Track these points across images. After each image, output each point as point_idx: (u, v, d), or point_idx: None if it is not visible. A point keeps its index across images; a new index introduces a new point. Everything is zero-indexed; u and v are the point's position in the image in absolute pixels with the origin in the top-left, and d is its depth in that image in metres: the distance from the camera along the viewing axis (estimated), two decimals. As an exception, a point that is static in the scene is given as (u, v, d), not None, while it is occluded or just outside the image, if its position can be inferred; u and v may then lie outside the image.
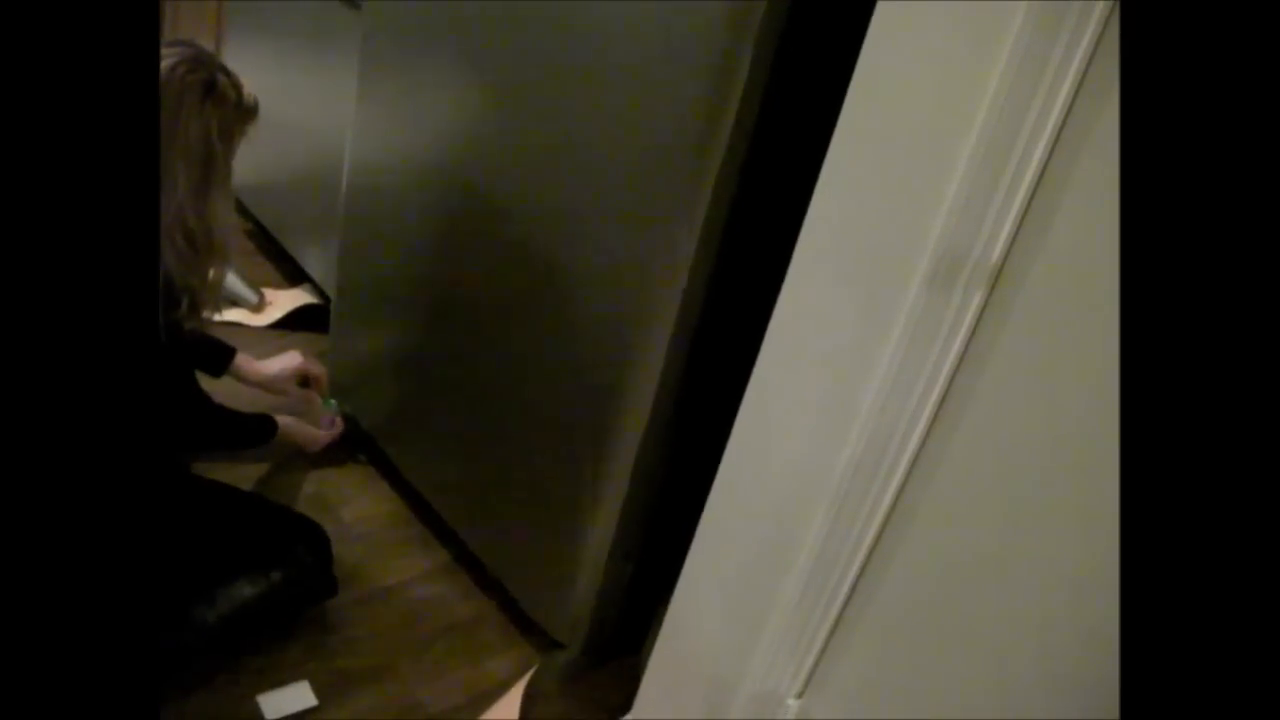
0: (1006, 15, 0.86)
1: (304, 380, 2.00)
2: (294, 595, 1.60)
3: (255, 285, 2.41)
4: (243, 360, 1.89)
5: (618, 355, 1.37)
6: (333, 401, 2.03)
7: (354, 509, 1.89)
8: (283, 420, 1.86)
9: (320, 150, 2.18)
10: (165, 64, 1.32)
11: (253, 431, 1.81)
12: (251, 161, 2.50)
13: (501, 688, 1.60)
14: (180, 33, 2.61)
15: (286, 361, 1.95)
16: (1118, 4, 0.80)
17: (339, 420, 2.02)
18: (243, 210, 2.63)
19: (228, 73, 1.39)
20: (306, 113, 2.22)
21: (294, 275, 2.50)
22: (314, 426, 1.96)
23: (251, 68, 2.31)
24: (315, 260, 2.38)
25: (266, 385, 1.93)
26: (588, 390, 1.43)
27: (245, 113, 1.43)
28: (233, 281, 2.33)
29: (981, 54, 0.88)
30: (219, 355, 1.86)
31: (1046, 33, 0.83)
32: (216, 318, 2.12)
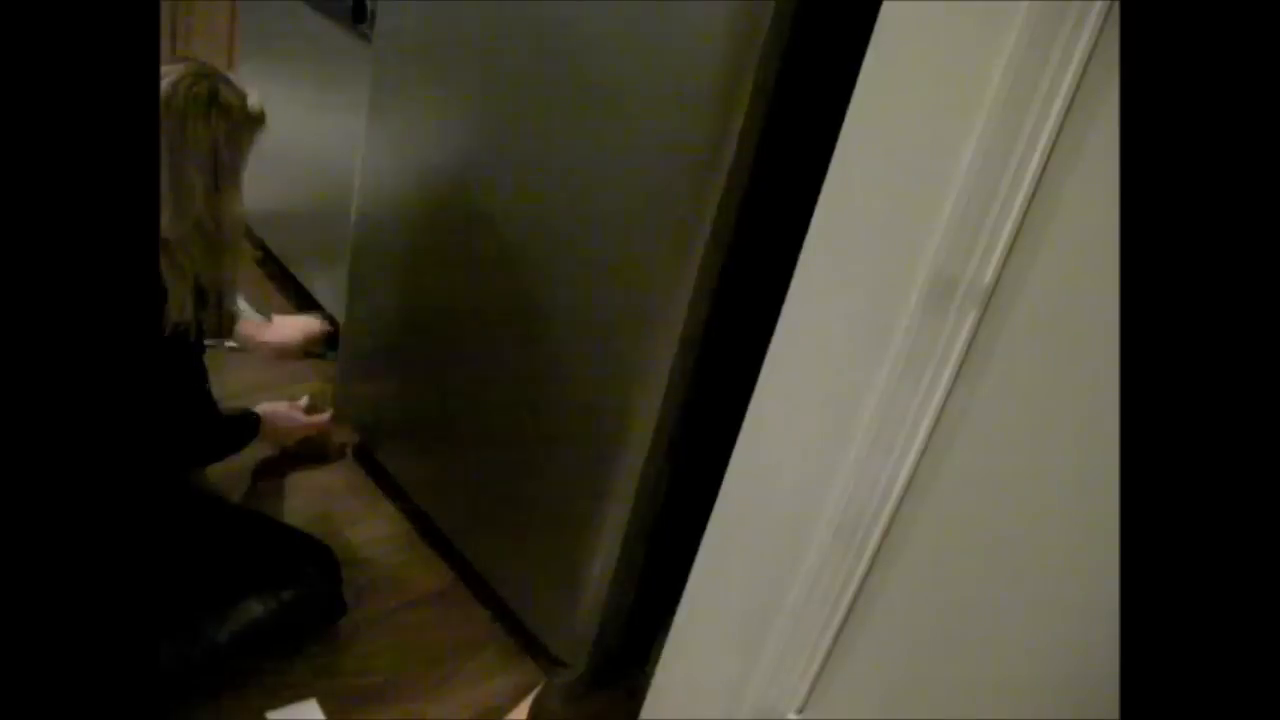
0: (998, 39, 0.88)
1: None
2: (303, 615, 1.62)
3: (265, 311, 2.43)
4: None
5: (622, 377, 1.40)
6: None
7: (361, 530, 1.91)
8: (264, 412, 1.89)
9: (329, 178, 2.21)
10: (168, 80, 1.36)
11: (242, 433, 1.84)
12: (261, 189, 2.53)
13: (507, 706, 1.62)
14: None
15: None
16: (1111, 22, 0.82)
17: (319, 408, 2.07)
18: (251, 237, 2.66)
19: (230, 84, 1.44)
20: (316, 141, 2.25)
21: (303, 301, 2.52)
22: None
23: (263, 97, 2.35)
24: (324, 286, 2.40)
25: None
26: (593, 412, 1.46)
27: (252, 120, 1.48)
28: (242, 307, 2.36)
29: (974, 77, 0.91)
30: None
31: (1038, 55, 0.86)
32: (226, 344, 2.16)
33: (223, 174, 1.43)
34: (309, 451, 2.06)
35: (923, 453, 1.04)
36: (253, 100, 1.48)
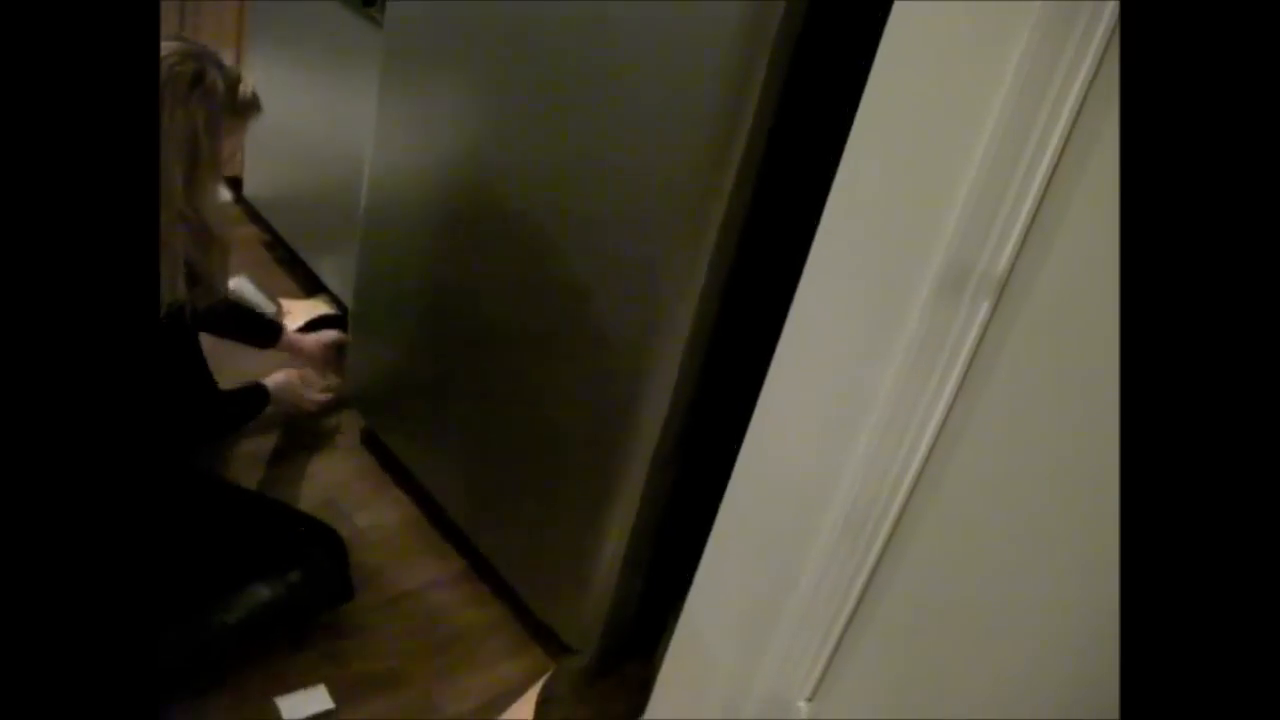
0: (1013, 28, 0.88)
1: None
2: (311, 599, 1.62)
3: (272, 295, 2.43)
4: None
5: (632, 362, 1.39)
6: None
7: (369, 515, 1.91)
8: (272, 385, 1.91)
9: (339, 162, 2.20)
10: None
11: (249, 405, 1.87)
12: (270, 173, 2.54)
13: (515, 692, 1.62)
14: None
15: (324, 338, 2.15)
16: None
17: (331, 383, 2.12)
18: (260, 220, 2.66)
19: (222, 68, 1.38)
20: (326, 125, 2.24)
21: (311, 285, 2.52)
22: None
23: (273, 81, 2.35)
24: (332, 270, 2.40)
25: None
26: (603, 397, 1.46)
27: (242, 107, 1.43)
28: (250, 291, 2.36)
29: (988, 66, 0.90)
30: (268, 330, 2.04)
31: (1053, 45, 0.85)
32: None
33: (201, 162, 1.36)
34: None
35: (933, 444, 1.03)
36: (245, 87, 1.42)
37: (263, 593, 1.55)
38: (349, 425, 2.11)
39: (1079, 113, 0.86)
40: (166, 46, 1.34)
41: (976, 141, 0.92)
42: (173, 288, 1.37)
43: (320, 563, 1.63)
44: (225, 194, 2.71)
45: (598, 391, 1.46)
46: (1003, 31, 0.89)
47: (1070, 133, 0.87)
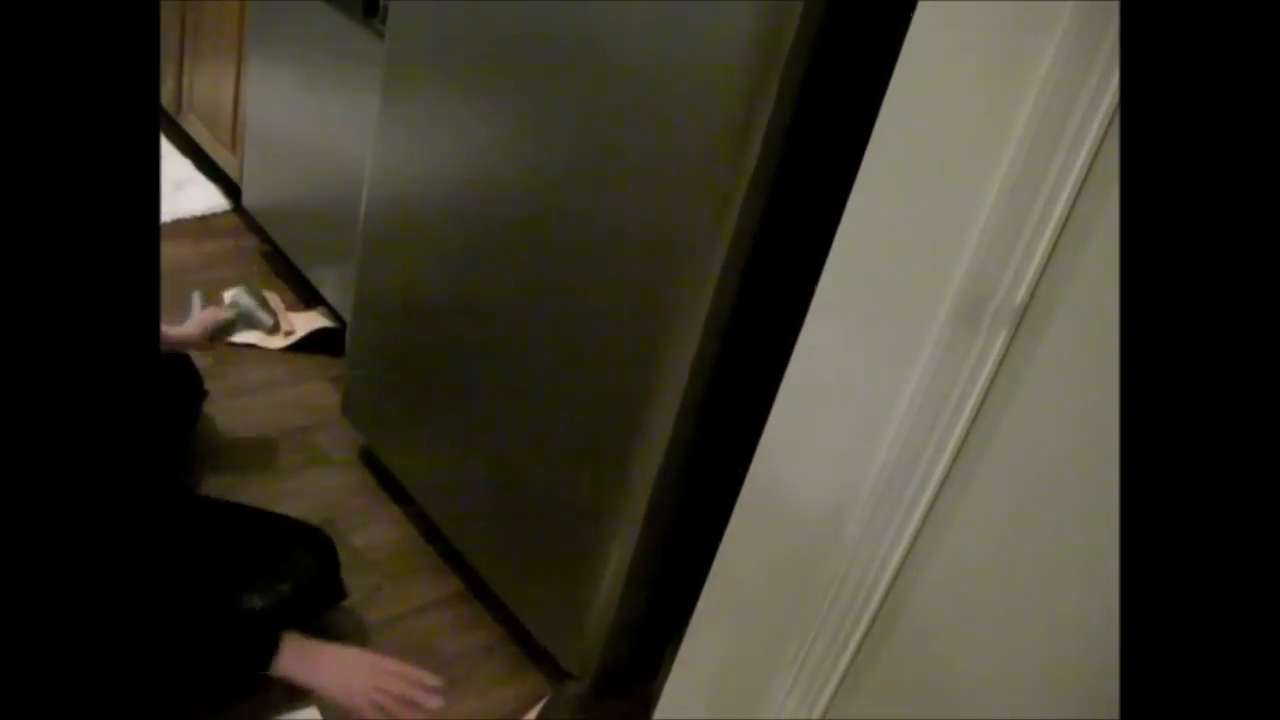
0: (1036, 53, 0.86)
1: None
2: (304, 604, 1.59)
3: (271, 307, 2.41)
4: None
5: (637, 382, 1.37)
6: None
7: (366, 536, 1.89)
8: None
9: (338, 174, 2.19)
10: None
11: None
12: (270, 183, 2.53)
13: (513, 717, 1.60)
14: (202, 55, 2.64)
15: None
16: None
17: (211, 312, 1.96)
18: (259, 230, 2.64)
19: None
20: (326, 137, 2.23)
21: (310, 298, 2.50)
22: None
23: (273, 91, 2.34)
24: (331, 283, 2.38)
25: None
26: (605, 417, 1.43)
27: None
28: (247, 302, 2.34)
29: (1010, 93, 0.88)
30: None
31: (1077, 69, 0.83)
32: (233, 339, 2.16)
33: None
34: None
35: (947, 473, 1.02)
36: None
37: (255, 604, 1.53)
38: (346, 443, 2.09)
39: (1103, 138, 0.84)
40: None
41: (998, 163, 0.90)
42: None
43: (310, 566, 1.61)
44: (223, 201, 2.69)
45: (600, 410, 1.44)
46: (1025, 54, 0.87)
47: (1093, 160, 0.85)
